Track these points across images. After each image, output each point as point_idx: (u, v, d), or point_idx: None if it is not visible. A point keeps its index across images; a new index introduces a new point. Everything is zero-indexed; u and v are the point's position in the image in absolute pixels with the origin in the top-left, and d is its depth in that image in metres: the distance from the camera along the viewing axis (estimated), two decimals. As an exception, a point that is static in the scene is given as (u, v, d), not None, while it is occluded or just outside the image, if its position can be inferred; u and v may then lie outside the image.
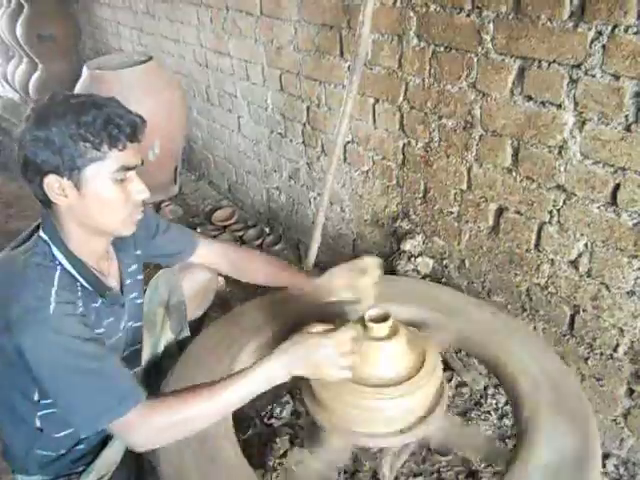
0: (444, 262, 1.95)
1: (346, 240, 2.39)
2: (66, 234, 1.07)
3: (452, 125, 1.71)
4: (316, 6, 2.04)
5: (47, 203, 1.06)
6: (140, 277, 1.34)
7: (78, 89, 2.85)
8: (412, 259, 2.01)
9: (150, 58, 2.95)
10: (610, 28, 1.25)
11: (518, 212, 1.62)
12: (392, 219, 2.10)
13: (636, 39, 1.21)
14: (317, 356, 1.04)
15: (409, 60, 1.76)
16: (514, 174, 1.59)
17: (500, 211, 1.67)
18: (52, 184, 1.02)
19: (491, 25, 1.49)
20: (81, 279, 1.07)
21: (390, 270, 2.05)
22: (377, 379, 1.21)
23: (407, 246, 2.00)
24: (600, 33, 1.27)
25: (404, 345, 1.23)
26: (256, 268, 1.48)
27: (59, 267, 1.04)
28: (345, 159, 2.21)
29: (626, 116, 1.29)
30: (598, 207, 1.42)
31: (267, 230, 2.86)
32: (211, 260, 1.49)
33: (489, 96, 1.57)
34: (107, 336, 1.14)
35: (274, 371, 1.04)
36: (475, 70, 1.58)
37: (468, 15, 1.54)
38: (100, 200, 1.05)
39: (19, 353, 0.94)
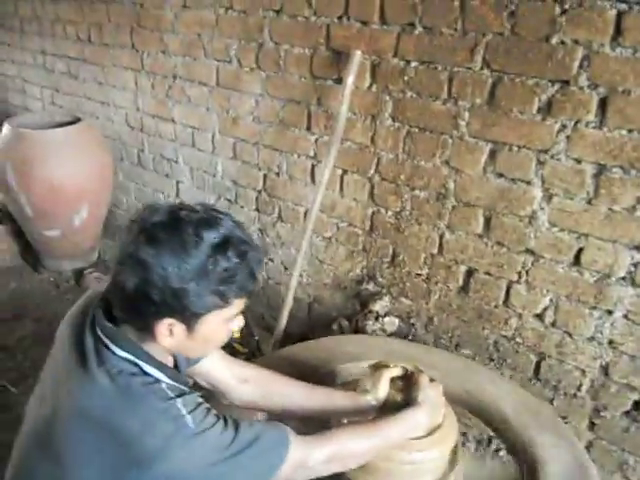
0: (411, 320, 2.10)
1: (301, 304, 2.45)
2: (147, 347, 0.99)
3: (425, 196, 1.92)
4: (283, 83, 2.19)
5: (142, 332, 0.97)
6: None
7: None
8: (379, 319, 2.14)
9: (78, 119, 2.84)
10: (573, 122, 1.55)
11: (488, 273, 1.84)
12: (356, 282, 2.23)
13: (595, 132, 1.52)
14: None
15: (382, 137, 1.96)
16: (485, 240, 1.82)
17: (470, 272, 1.89)
18: (164, 325, 0.93)
19: (466, 113, 1.74)
20: (174, 382, 1.01)
21: (355, 330, 2.16)
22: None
23: (376, 307, 2.13)
24: (564, 126, 1.57)
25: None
26: (291, 393, 1.29)
27: (159, 380, 0.97)
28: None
29: (587, 192, 1.58)
30: (563, 267, 1.68)
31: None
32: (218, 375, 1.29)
33: (463, 172, 1.80)
34: None
35: (420, 420, 1.21)
36: (449, 149, 1.81)
37: (444, 103, 1.78)
38: (208, 341, 1.01)
39: None
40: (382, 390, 1.28)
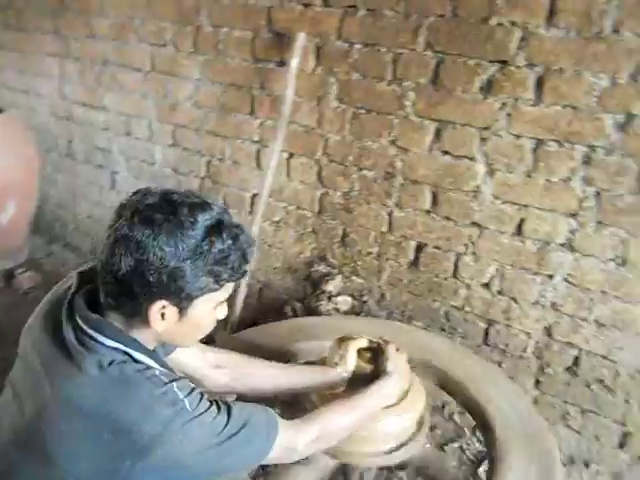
0: (363, 298, 2.16)
1: (251, 290, 2.44)
2: (135, 335, 0.97)
3: (373, 176, 1.96)
4: (223, 67, 2.15)
5: (131, 318, 0.95)
6: None
7: None
8: (332, 299, 2.18)
9: (0, 110, 2.65)
10: (513, 100, 1.65)
11: (437, 247, 1.92)
12: (306, 264, 2.26)
13: (533, 109, 1.62)
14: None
15: (329, 119, 1.99)
16: (433, 215, 1.89)
17: (420, 247, 1.96)
18: (157, 308, 0.92)
19: (411, 93, 1.80)
20: (164, 368, 0.99)
21: (308, 311, 2.19)
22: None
23: (329, 287, 2.17)
24: (505, 104, 1.66)
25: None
26: (265, 374, 1.31)
27: (150, 367, 0.95)
28: (251, 212, 2.30)
29: (527, 166, 1.68)
30: (507, 237, 1.79)
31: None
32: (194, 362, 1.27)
33: (409, 151, 1.86)
34: None
35: (392, 389, 1.27)
36: (396, 129, 1.86)
37: (389, 84, 1.83)
38: (197, 326, 1.00)
39: (165, 466, 0.88)
40: (350, 362, 1.33)
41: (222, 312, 1.04)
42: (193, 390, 0.94)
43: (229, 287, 0.99)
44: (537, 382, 1.89)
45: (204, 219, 0.91)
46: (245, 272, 1.00)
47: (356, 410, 1.19)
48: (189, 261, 0.89)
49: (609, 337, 1.71)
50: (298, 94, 2.01)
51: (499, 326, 1.90)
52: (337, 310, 2.18)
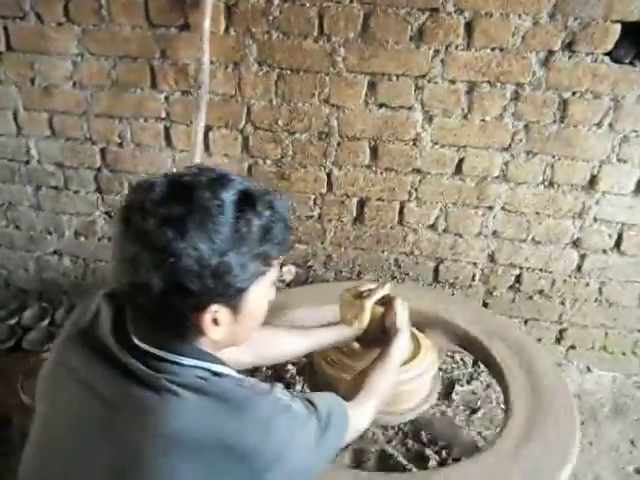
0: (308, 263, 2.13)
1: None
2: (204, 347, 0.84)
3: (307, 138, 1.90)
4: (110, 37, 1.86)
5: (186, 333, 0.80)
6: None
7: None
8: (277, 271, 2.11)
9: None
10: (445, 47, 1.71)
11: (380, 199, 1.96)
12: (240, 241, 2.14)
13: (465, 54, 1.71)
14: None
15: (251, 84, 1.86)
16: (374, 169, 1.92)
17: (362, 203, 1.98)
18: (209, 316, 0.78)
19: (342, 49, 1.76)
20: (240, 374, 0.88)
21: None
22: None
23: (272, 260, 2.09)
24: (437, 51, 1.72)
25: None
26: (284, 344, 1.28)
27: (235, 377, 0.85)
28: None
29: (462, 109, 1.78)
30: (447, 179, 1.89)
31: (47, 306, 2.36)
32: None
33: (344, 108, 1.84)
34: None
35: (406, 343, 1.30)
36: (328, 87, 1.82)
37: (316, 41, 1.76)
38: (253, 319, 0.86)
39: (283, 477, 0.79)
40: (366, 319, 1.34)
41: (273, 293, 0.92)
42: (288, 391, 0.87)
43: (277, 264, 0.87)
44: (485, 304, 2.08)
45: (229, 196, 0.76)
46: (291, 242, 0.91)
47: (392, 371, 1.21)
48: (231, 252, 0.74)
49: (545, 252, 1.94)
50: (210, 60, 1.82)
51: (448, 262, 2.03)
52: (282, 282, 2.13)
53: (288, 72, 1.82)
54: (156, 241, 0.71)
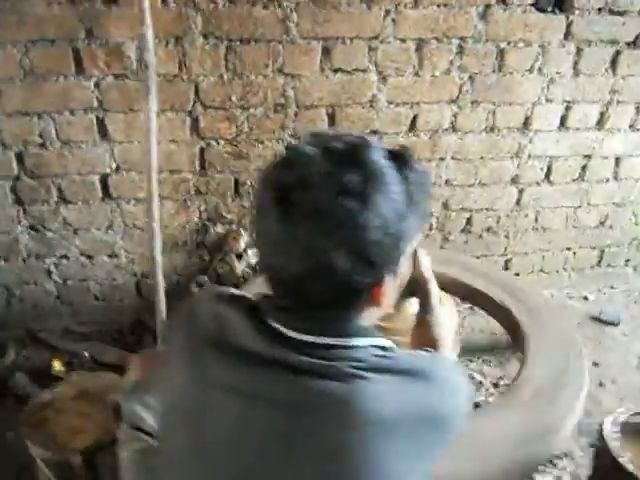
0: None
1: (126, 288, 2.04)
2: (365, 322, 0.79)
3: (263, 112, 1.82)
4: (17, 18, 1.57)
5: (351, 309, 0.75)
6: None
7: None
8: (242, 256, 2.02)
9: None
10: (395, 6, 1.73)
11: (341, 165, 1.96)
12: (196, 232, 1.99)
13: (413, 12, 1.75)
14: None
15: (197, 60, 1.71)
16: (333, 135, 1.90)
17: (323, 171, 1.96)
18: (385, 287, 0.73)
19: (294, 14, 1.69)
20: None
21: (218, 280, 2.00)
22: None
23: (235, 246, 1.98)
24: (388, 11, 1.74)
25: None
26: None
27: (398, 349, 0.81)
28: (108, 196, 1.86)
29: (414, 66, 1.84)
30: (402, 136, 1.95)
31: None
32: None
33: (300, 76, 1.79)
34: None
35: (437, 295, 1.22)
36: (282, 56, 1.74)
37: (266, 7, 1.67)
38: (400, 286, 0.82)
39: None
40: None
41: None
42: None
43: None
44: (441, 249, 2.22)
45: (380, 155, 0.71)
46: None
47: (445, 320, 1.25)
48: (408, 215, 0.71)
49: (490, 192, 2.12)
50: (149, 37, 1.64)
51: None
52: (252, 267, 2.04)
53: (238, 43, 1.71)
54: (337, 215, 0.65)
